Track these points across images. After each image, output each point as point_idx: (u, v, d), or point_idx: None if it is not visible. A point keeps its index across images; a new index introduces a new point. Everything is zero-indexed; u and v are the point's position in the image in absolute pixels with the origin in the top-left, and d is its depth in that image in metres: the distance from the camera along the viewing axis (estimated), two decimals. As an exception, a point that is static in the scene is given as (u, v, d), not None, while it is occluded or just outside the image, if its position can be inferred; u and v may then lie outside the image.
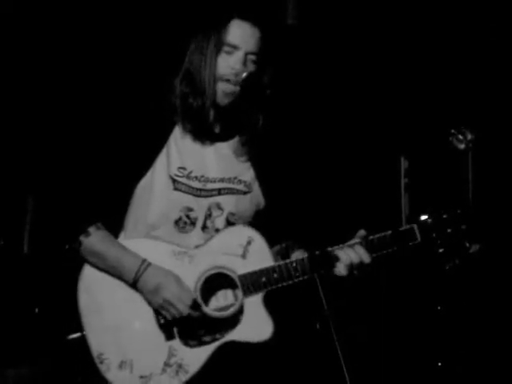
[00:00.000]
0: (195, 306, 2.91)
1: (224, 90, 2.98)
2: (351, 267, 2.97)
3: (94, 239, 2.94)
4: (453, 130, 3.91)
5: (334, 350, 2.56)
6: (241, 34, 2.98)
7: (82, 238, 2.93)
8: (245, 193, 3.13)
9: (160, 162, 3.00)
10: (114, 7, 4.80)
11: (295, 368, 3.32)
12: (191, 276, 2.95)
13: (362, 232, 3.08)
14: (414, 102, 5.13)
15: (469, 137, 3.87)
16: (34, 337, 4.28)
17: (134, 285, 2.93)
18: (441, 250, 3.11)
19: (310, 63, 5.12)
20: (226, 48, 2.97)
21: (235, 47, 2.97)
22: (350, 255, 2.96)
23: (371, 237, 3.04)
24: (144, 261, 2.94)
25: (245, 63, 2.99)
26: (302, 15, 5.17)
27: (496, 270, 4.72)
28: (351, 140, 5.17)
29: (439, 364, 4.69)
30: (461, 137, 3.89)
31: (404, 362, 4.81)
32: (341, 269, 3.00)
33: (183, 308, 2.89)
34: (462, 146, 3.91)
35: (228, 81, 2.97)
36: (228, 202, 3.07)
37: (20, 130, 4.71)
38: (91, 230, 2.94)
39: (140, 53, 4.74)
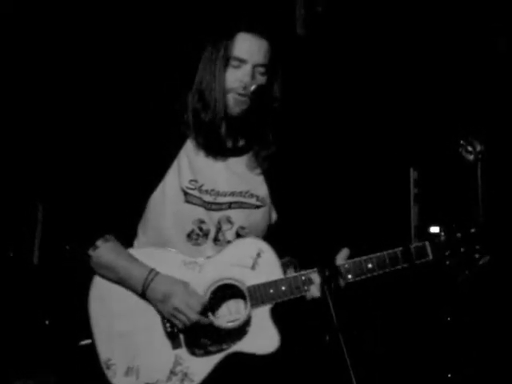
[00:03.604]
0: (205, 312, 2.93)
1: (235, 99, 3.00)
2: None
3: (103, 252, 2.98)
4: (462, 141, 3.90)
5: (343, 362, 2.55)
6: (247, 48, 2.99)
7: (90, 251, 2.96)
8: (257, 207, 3.13)
9: (171, 175, 3.01)
10: (127, 20, 4.82)
11: (302, 380, 3.31)
12: (200, 286, 2.97)
13: (344, 252, 3.07)
14: (423, 113, 5.13)
15: (478, 148, 3.85)
16: (44, 348, 4.28)
17: (143, 294, 2.96)
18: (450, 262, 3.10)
19: (320, 74, 5.12)
20: (233, 62, 2.99)
21: (242, 61, 2.98)
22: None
23: (381, 253, 3.04)
24: (152, 270, 2.96)
25: (253, 76, 3.00)
26: (310, 26, 5.18)
27: (506, 281, 4.71)
28: (361, 151, 5.17)
29: (449, 375, 4.68)
30: (470, 148, 3.88)
31: (414, 373, 4.79)
32: (314, 291, 3.00)
33: (193, 315, 2.91)
34: (472, 157, 3.89)
35: (238, 93, 2.99)
36: (238, 216, 3.08)
37: (32, 141, 4.72)
38: (99, 243, 2.97)
39: (152, 66, 4.76)
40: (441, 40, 5.14)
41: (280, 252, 3.05)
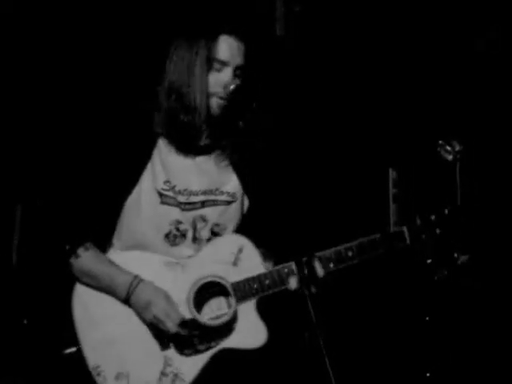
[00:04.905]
0: (183, 323, 2.93)
1: (218, 103, 3.01)
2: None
3: (84, 260, 2.98)
4: (441, 141, 3.91)
5: (322, 359, 2.57)
6: (229, 50, 3.01)
7: (72, 260, 2.96)
8: (229, 202, 3.15)
9: (146, 177, 3.02)
10: (93, 15, 4.79)
11: (289, 374, 3.34)
12: (184, 286, 2.98)
13: None
14: (402, 113, 5.15)
15: (457, 148, 3.87)
16: (23, 349, 4.26)
17: (126, 301, 2.97)
18: (429, 261, 3.11)
19: (298, 73, 5.13)
20: (215, 65, 2.99)
21: (224, 63, 2.99)
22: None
23: (360, 240, 3.07)
24: (136, 277, 2.97)
25: (233, 77, 3.01)
26: (290, 25, 5.19)
27: (485, 280, 4.73)
28: (339, 150, 5.17)
29: (428, 374, 4.69)
30: (449, 148, 3.89)
31: (393, 372, 4.80)
32: (293, 283, 3.01)
33: (171, 326, 2.91)
34: (450, 157, 3.91)
35: (220, 97, 3.00)
36: (212, 214, 3.10)
37: (10, 146, 4.69)
38: (80, 251, 2.97)
39: (117, 64, 4.72)
40: (418, 41, 5.17)
41: (255, 243, 3.06)
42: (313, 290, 2.76)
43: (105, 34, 4.77)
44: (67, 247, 2.98)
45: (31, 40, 4.67)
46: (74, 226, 2.99)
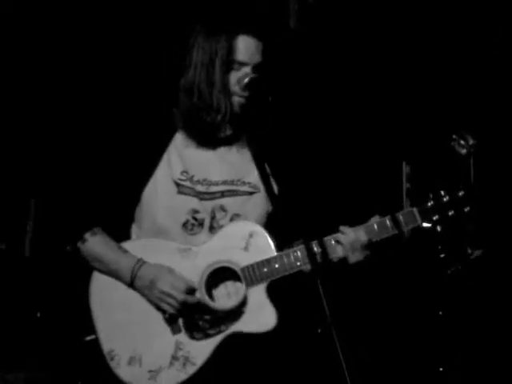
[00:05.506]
0: (190, 291, 2.97)
1: (239, 102, 3.03)
2: (349, 248, 3.02)
3: (91, 245, 3.03)
4: (454, 135, 3.90)
5: (335, 353, 2.57)
6: (247, 50, 3.05)
7: (79, 244, 3.02)
8: (250, 193, 3.16)
9: (162, 168, 3.05)
10: (113, 10, 4.81)
11: (299, 358, 3.35)
12: (196, 271, 3.02)
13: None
14: (415, 107, 5.14)
15: (470, 142, 3.86)
16: (36, 341, 4.28)
17: (131, 284, 3.01)
18: (443, 255, 3.10)
19: (312, 67, 5.13)
20: (235, 65, 3.02)
21: (243, 64, 3.02)
22: (349, 236, 3.02)
23: (370, 222, 3.06)
24: (139, 260, 3.01)
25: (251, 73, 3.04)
26: (304, 18, 5.18)
27: (498, 275, 4.72)
28: (353, 145, 5.17)
29: (440, 369, 4.69)
30: (462, 142, 3.88)
31: (405, 366, 4.80)
32: (338, 250, 3.01)
33: (178, 294, 2.95)
34: (464, 151, 3.90)
35: (240, 96, 3.02)
36: (232, 204, 3.12)
37: (25, 136, 4.72)
38: (87, 236, 3.03)
39: (137, 59, 4.74)
40: (432, 34, 5.15)
41: (281, 239, 3.07)
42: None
43: (123, 28, 4.79)
44: (74, 230, 3.02)
45: (57, 33, 4.71)
46: (83, 211, 3.04)
